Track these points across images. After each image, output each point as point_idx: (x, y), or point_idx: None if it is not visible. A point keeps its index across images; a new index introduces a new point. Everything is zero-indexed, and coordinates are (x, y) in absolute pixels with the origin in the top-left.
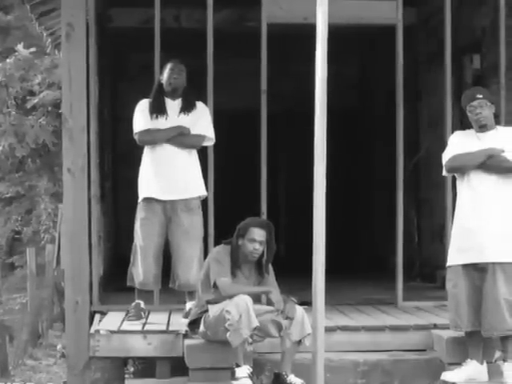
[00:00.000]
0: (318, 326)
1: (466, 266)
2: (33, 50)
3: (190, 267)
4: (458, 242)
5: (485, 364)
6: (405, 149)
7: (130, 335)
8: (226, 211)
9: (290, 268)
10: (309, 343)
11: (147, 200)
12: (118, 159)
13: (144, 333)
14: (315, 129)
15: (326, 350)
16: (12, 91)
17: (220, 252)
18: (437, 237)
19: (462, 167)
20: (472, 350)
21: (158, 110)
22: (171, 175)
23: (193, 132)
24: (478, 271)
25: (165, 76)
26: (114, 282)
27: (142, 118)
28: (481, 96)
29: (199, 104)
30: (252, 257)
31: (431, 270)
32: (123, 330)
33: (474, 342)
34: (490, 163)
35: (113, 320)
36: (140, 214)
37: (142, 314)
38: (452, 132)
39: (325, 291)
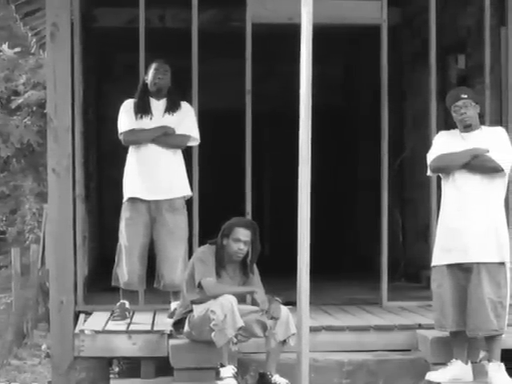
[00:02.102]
0: (303, 326)
1: (450, 266)
2: (17, 50)
3: (175, 267)
4: (443, 241)
5: (469, 364)
6: (390, 149)
7: (114, 335)
8: (211, 211)
9: (275, 268)
10: (294, 343)
11: (132, 200)
12: (103, 159)
13: (129, 333)
14: (300, 129)
15: (311, 349)
16: None
17: (205, 252)
18: (421, 237)
19: (446, 167)
20: (457, 350)
21: (142, 110)
22: (156, 175)
23: (177, 132)
24: (462, 271)
25: (149, 76)
26: (99, 282)
27: (126, 118)
28: (465, 96)
29: (184, 104)
30: (237, 257)
31: (416, 270)
32: (108, 330)
33: (459, 342)
34: (475, 163)
35: (97, 320)
36: (125, 214)
37: (127, 314)
38: (437, 132)
39: (309, 291)
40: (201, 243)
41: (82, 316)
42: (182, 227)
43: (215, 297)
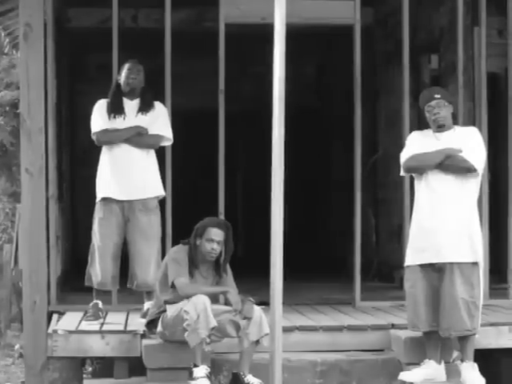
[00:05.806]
0: (276, 326)
1: (423, 266)
2: None
3: (148, 267)
4: (416, 241)
5: (443, 364)
6: (363, 148)
7: (87, 335)
8: (184, 211)
9: (248, 268)
10: (267, 343)
11: (105, 200)
12: (76, 159)
13: (102, 333)
14: (273, 129)
15: (284, 349)
16: None
17: (178, 252)
18: (395, 237)
19: (419, 167)
20: (430, 350)
21: (115, 110)
22: (129, 175)
23: (151, 132)
24: (435, 271)
25: (122, 76)
26: (72, 282)
27: (99, 118)
28: (439, 96)
29: (157, 104)
30: (210, 257)
31: (389, 270)
32: (81, 330)
33: (432, 342)
34: (448, 163)
35: (71, 320)
36: (98, 214)
37: (100, 314)
38: (410, 132)
39: (283, 291)
40: (174, 243)
41: (55, 316)
42: (155, 227)
43: (188, 297)
